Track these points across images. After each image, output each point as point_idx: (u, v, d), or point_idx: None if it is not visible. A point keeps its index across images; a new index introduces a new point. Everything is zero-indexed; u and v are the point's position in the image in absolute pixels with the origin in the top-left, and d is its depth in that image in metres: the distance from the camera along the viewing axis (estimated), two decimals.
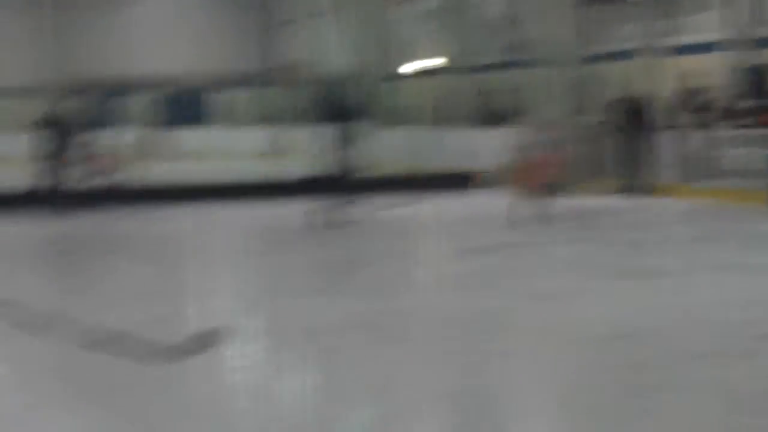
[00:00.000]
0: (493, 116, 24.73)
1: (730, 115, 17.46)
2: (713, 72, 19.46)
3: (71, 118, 20.40)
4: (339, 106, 24.12)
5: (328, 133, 27.75)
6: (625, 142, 17.65)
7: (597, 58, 22.88)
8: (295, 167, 28.67)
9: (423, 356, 7.65)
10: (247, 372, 7.03)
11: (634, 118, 18.60)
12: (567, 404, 6.24)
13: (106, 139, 23.50)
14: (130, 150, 27.49)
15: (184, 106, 40.03)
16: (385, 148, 26.99)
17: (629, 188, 17.80)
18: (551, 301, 9.41)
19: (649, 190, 17.80)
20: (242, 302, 10.27)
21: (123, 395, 6.53)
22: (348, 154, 23.46)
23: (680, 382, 6.64)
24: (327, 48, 36.38)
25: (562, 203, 16.32)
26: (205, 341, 5.92)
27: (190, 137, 36.67)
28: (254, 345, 8.24)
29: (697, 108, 18.16)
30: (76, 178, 19.26)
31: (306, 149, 31.22)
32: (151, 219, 17.73)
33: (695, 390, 6.43)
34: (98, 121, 28.03)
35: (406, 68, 30.91)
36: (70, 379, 7.06)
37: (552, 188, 17.85)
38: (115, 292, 10.68)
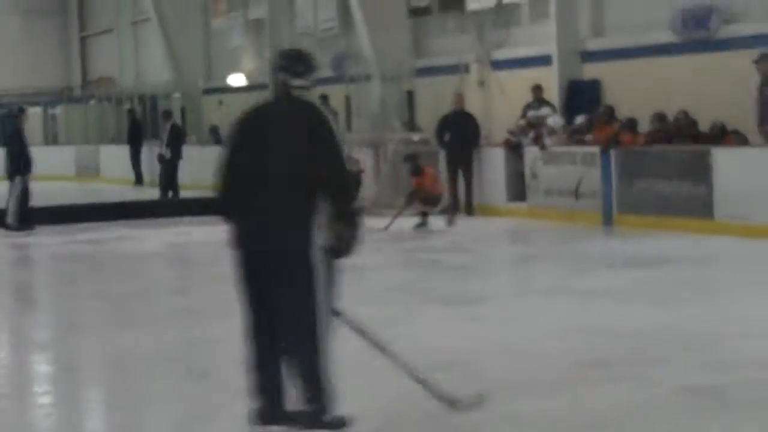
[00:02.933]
0: None
1: (560, 131, 17.76)
2: (548, 86, 19.79)
3: None
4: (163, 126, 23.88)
5: (144, 153, 27.44)
6: (455, 159, 17.84)
7: (430, 71, 23.13)
8: (108, 189, 28.33)
9: (227, 391, 7.59)
10: (46, 410, 6.85)
11: (465, 134, 18.78)
12: None
13: None
14: None
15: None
16: (208, 166, 26.73)
17: (456, 207, 17.93)
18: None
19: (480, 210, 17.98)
20: (40, 338, 10.09)
21: None
22: (168, 175, 23.28)
23: (497, 415, 6.71)
24: (146, 59, 35.99)
25: (391, 223, 16.43)
26: None
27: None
28: (56, 384, 8.16)
29: (530, 123, 18.44)
30: None
31: (118, 170, 30.83)
32: None
33: (513, 423, 6.51)
34: None
35: (235, 80, 30.67)
36: None
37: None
38: None
